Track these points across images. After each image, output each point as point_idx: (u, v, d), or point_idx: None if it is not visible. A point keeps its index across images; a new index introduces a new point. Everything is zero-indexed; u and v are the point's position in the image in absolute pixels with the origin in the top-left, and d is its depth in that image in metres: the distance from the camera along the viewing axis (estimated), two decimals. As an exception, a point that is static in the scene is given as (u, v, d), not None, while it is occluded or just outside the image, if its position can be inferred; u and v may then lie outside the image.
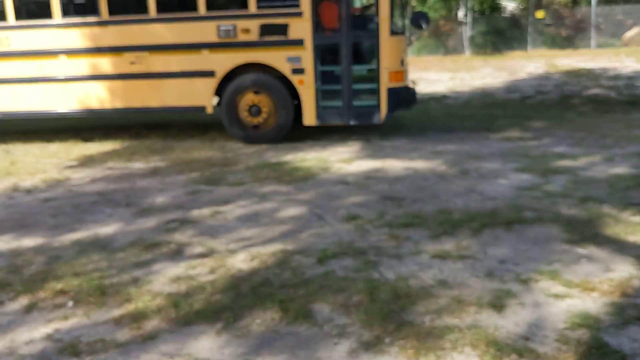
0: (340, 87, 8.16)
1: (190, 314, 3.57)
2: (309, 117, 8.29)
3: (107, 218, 5.41)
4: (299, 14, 7.98)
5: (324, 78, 8.23)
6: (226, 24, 8.12)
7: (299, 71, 8.11)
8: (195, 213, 5.44)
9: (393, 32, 7.98)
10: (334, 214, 5.30)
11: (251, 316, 3.53)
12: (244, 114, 8.43)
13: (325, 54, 8.21)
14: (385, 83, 7.97)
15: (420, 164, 7.02)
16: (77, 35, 8.62)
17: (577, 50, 21.52)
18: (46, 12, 8.58)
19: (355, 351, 3.12)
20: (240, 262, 4.31)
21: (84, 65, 8.69)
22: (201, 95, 8.43)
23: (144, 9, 8.31)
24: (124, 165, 7.62)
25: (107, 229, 5.09)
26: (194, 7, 8.19)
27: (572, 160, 6.80)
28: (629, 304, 3.43)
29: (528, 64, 16.68)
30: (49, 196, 6.22)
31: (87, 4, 8.73)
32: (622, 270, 3.89)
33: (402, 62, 8.26)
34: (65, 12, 8.62)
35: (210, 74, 8.31)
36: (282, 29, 8.05)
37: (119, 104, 8.74)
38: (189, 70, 8.39)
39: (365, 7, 9.56)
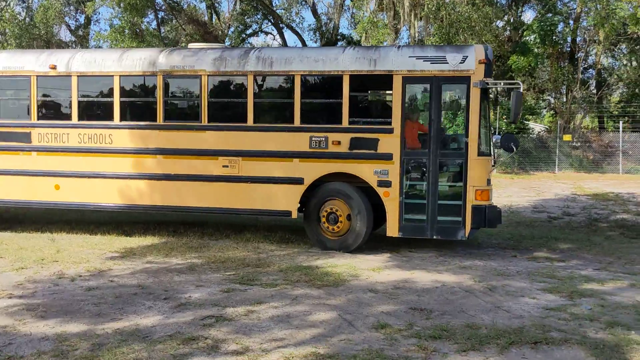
0: (425, 201, 8.26)
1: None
2: (392, 229, 8.34)
3: (147, 310, 5.59)
4: (390, 131, 8.25)
5: (409, 192, 8.44)
6: (318, 135, 8.42)
7: (385, 184, 8.25)
8: (230, 311, 5.60)
9: (480, 153, 8.16)
10: (364, 321, 5.39)
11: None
12: (323, 221, 8.58)
13: (412, 168, 8.39)
14: (471, 200, 8.06)
15: (447, 277, 7.11)
16: (176, 138, 9.04)
17: (605, 174, 21.78)
18: (151, 115, 9.19)
19: None
20: (273, 362, 4.43)
21: (178, 165, 9.02)
22: (288, 200, 8.58)
23: (241, 118, 8.79)
24: (163, 260, 7.86)
25: (146, 321, 5.26)
26: (289, 118, 8.64)
27: (599, 284, 6.82)
28: None
29: (555, 185, 16.93)
30: (92, 285, 6.46)
31: (189, 110, 9.42)
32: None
33: (488, 182, 8.31)
34: (167, 117, 9.12)
35: (299, 180, 8.52)
36: (372, 143, 8.28)
37: (208, 204, 8.96)
38: (278, 176, 8.64)
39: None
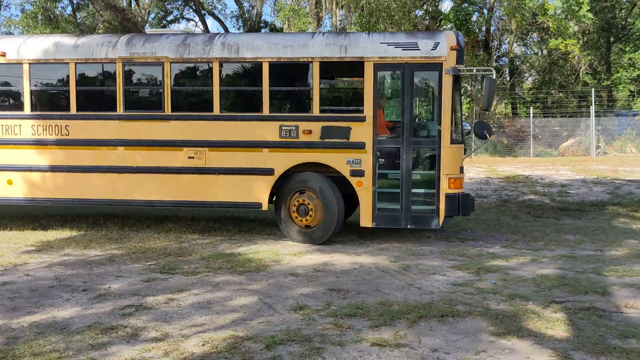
0: (398, 190, 8.12)
1: (144, 393, 3.77)
2: (366, 219, 8.17)
3: (64, 302, 5.54)
4: (362, 119, 8.07)
5: (382, 181, 8.23)
6: (288, 124, 8.18)
7: (358, 173, 8.07)
8: (151, 299, 5.64)
9: (453, 141, 8.05)
10: (283, 304, 5.57)
11: (201, 397, 3.74)
12: (293, 213, 8.33)
13: (385, 157, 8.20)
14: (445, 189, 7.94)
15: (365, 259, 7.40)
16: (137, 128, 8.62)
17: (517, 158, 22.90)
18: (110, 104, 8.70)
19: None
20: (193, 346, 4.52)
21: (141, 157, 8.59)
22: (258, 192, 8.31)
23: (207, 106, 8.45)
24: (81, 252, 7.72)
25: (64, 313, 5.22)
26: (258, 107, 8.34)
27: (503, 260, 7.30)
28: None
29: (471, 169, 17.63)
30: (6, 280, 6.30)
31: (151, 99, 8.92)
32: (540, 360, 4.28)
33: (461, 170, 8.23)
34: (128, 106, 8.64)
35: (269, 171, 8.27)
36: (344, 132, 8.09)
37: (173, 197, 8.56)
38: (247, 167, 8.35)
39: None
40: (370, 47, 8.08)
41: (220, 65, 8.38)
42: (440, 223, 8.02)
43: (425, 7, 29.13)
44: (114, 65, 8.55)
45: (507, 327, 4.93)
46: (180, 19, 35.75)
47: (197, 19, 35.33)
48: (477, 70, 9.60)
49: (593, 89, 24.35)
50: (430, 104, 8.58)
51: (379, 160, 8.11)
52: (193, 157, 8.33)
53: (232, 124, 8.38)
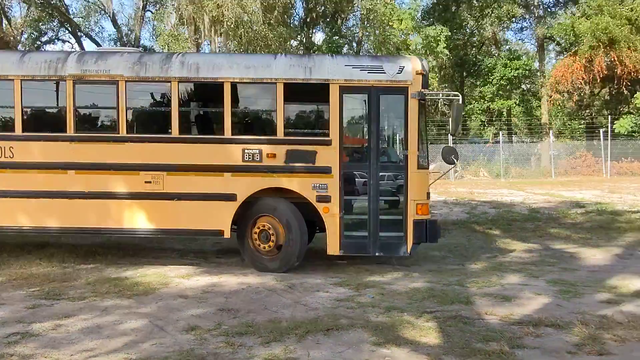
0: (366, 217, 7.75)
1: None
2: (333, 247, 7.73)
3: (-61, 335, 5.17)
4: (328, 143, 7.66)
5: (349, 207, 7.83)
6: (252, 148, 7.68)
7: (324, 199, 7.63)
8: (37, 326, 5.40)
9: (420, 166, 7.73)
10: (175, 325, 5.56)
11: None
12: (255, 239, 7.88)
13: (352, 182, 7.87)
14: (413, 215, 7.61)
15: (253, 279, 7.48)
16: (89, 151, 7.86)
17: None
18: (59, 125, 7.86)
19: None
20: (84, 371, 4.42)
21: (94, 181, 7.83)
22: (219, 219, 7.75)
23: (165, 128, 7.84)
24: (-46, 280, 7.18)
25: (-59, 346, 4.88)
26: (219, 129, 7.80)
27: (379, 276, 7.72)
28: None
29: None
30: None
31: (105, 120, 8.20)
32: (415, 365, 4.62)
33: (428, 195, 7.89)
34: (79, 127, 7.89)
35: (231, 197, 7.71)
36: (310, 156, 7.65)
37: (130, 225, 7.86)
38: (208, 192, 7.76)
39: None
40: (335, 70, 7.76)
41: (179, 85, 7.83)
42: (409, 250, 7.71)
43: (299, 37, 29.95)
44: (64, 82, 7.83)
45: (386, 337, 5.23)
46: (56, 40, 34.06)
47: (73, 40, 33.80)
48: (443, 95, 9.07)
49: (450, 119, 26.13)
50: (396, 128, 8.33)
51: (346, 185, 7.76)
52: (150, 182, 7.72)
53: (192, 147, 7.84)
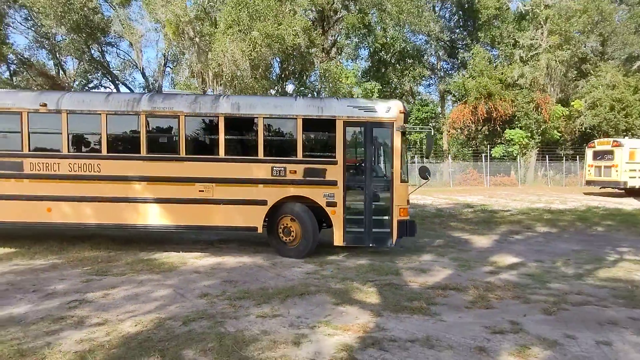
0: (363, 217, 7.58)
1: (94, 364, 3.54)
2: (338, 239, 7.57)
3: (18, 301, 4.95)
4: (335, 162, 7.51)
5: (350, 210, 7.64)
6: (278, 166, 7.52)
7: (332, 204, 7.51)
8: (90, 295, 5.23)
9: (402, 180, 7.57)
10: (192, 293, 5.46)
11: (140, 362, 3.60)
12: (280, 234, 7.68)
13: (352, 192, 7.68)
14: (397, 216, 7.46)
15: (247, 259, 7.39)
16: (158, 167, 7.62)
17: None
18: (135, 148, 7.66)
19: (212, 377, 3.38)
20: (128, 327, 4.31)
21: (161, 190, 7.60)
22: (254, 218, 7.56)
23: (214, 151, 7.61)
24: (28, 262, 6.82)
25: (19, 309, 4.68)
26: (254, 152, 7.56)
27: (336, 256, 7.72)
28: (368, 336, 4.19)
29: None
30: (-39, 286, 5.45)
31: (169, 144, 7.83)
32: (365, 318, 4.67)
33: (408, 202, 7.71)
34: (150, 149, 7.65)
35: (263, 202, 7.55)
36: (321, 172, 7.51)
37: (187, 222, 7.64)
38: (246, 198, 7.56)
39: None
40: (340, 109, 7.58)
41: (225, 119, 7.56)
42: (394, 242, 7.52)
43: (276, 88, 29.83)
44: (138, 116, 7.62)
45: (342, 299, 5.28)
46: (99, 86, 33.00)
47: (112, 87, 32.83)
48: (419, 128, 9.01)
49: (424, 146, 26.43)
50: (384, 152, 8.09)
51: (348, 194, 7.59)
52: (203, 190, 7.55)
53: (234, 165, 7.60)
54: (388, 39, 30.73)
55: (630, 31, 30.45)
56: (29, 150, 7.65)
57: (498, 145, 28.78)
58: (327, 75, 26.15)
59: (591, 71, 29.61)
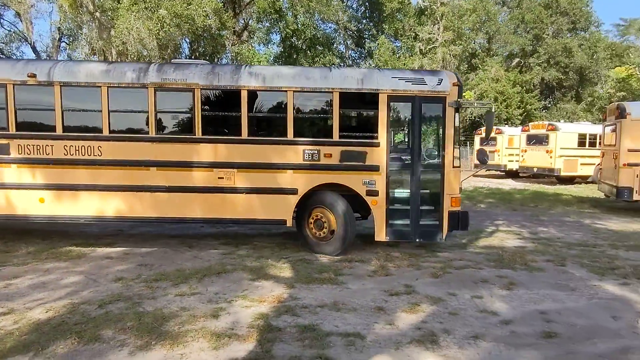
0: (408, 208, 6.59)
1: (5, 350, 3.46)
2: (380, 234, 6.61)
3: None
4: (377, 144, 6.51)
5: (394, 200, 6.64)
6: (311, 149, 6.49)
7: (373, 193, 6.52)
8: (-10, 286, 4.91)
9: (454, 165, 6.59)
10: (105, 278, 5.37)
11: (55, 344, 3.59)
12: (311, 227, 6.76)
13: (397, 178, 6.67)
14: (448, 207, 6.53)
15: (160, 245, 7.26)
16: (169, 150, 6.54)
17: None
18: (143, 127, 6.56)
19: (132, 352, 3.52)
20: (38, 314, 4.19)
21: (173, 177, 6.55)
22: (283, 210, 6.57)
23: (236, 131, 6.52)
24: None
25: None
26: (283, 132, 6.51)
27: (250, 238, 7.89)
28: (282, 305, 4.55)
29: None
30: None
31: (182, 123, 6.72)
32: (279, 290, 5.01)
33: (460, 190, 6.75)
34: (160, 129, 6.57)
35: (293, 191, 6.55)
36: (361, 156, 6.49)
37: (204, 215, 6.62)
38: (273, 187, 6.55)
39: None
40: (383, 81, 6.55)
41: (248, 93, 6.52)
42: (444, 237, 6.62)
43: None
44: (145, 90, 6.51)
45: (258, 275, 5.55)
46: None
47: (-6, 61, 28.93)
48: (477, 104, 7.38)
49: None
50: (435, 132, 7.12)
51: (392, 181, 6.63)
52: (223, 178, 6.55)
53: (259, 147, 6.56)
54: (299, 26, 31.03)
55: (510, 31, 34.16)
56: (16, 130, 6.53)
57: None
58: (238, 58, 25.81)
59: (479, 65, 32.78)
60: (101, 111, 6.50)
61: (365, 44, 34.14)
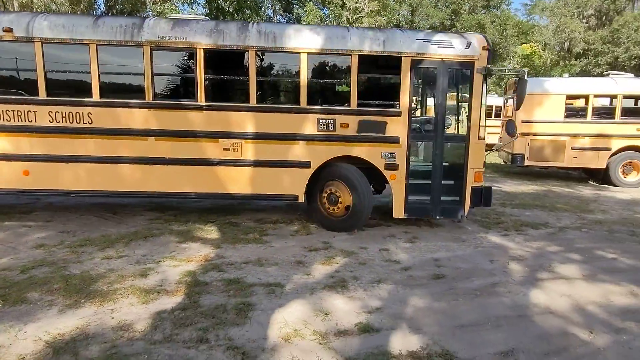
0: (429, 182, 6.13)
1: None
2: (398, 210, 6.16)
3: None
4: (398, 114, 5.96)
5: (414, 174, 6.17)
6: (326, 118, 5.92)
7: (392, 166, 6.03)
8: None
9: (480, 137, 6.07)
10: (25, 245, 5.28)
11: (-21, 308, 3.61)
12: (324, 203, 6.28)
13: (417, 151, 6.20)
14: (471, 182, 6.09)
15: (82, 212, 7.11)
16: (169, 118, 5.86)
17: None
18: (138, 92, 5.79)
19: (62, 311, 3.67)
20: (-45, 282, 4.12)
21: (172, 148, 5.94)
22: (294, 185, 6.05)
23: (243, 97, 5.89)
24: None
25: None
26: (295, 99, 5.94)
27: (176, 204, 7.94)
28: (209, 264, 4.85)
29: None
30: None
31: (182, 87, 5.98)
32: (206, 250, 5.27)
33: (484, 164, 6.28)
34: (157, 94, 5.85)
35: (305, 164, 6.02)
36: (380, 126, 5.97)
37: (207, 190, 6.06)
38: (284, 160, 6.01)
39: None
40: (407, 43, 5.94)
41: (257, 54, 5.86)
42: (466, 213, 6.22)
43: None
44: (140, 48, 5.78)
45: (185, 237, 5.76)
46: None
47: None
48: (508, 71, 6.66)
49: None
50: (460, 100, 6.57)
51: (413, 154, 6.11)
52: (228, 149, 5.99)
53: (269, 116, 5.97)
54: (226, -13, 29.79)
55: (432, 5, 35.56)
56: None
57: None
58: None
59: (403, 37, 33.89)
60: (90, 73, 5.82)
61: (294, 9, 33.72)
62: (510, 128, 6.38)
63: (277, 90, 6.53)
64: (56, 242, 5.42)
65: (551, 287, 4.43)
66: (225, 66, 6.14)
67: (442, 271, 4.80)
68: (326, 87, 6.25)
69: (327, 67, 6.27)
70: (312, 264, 4.93)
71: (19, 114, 5.89)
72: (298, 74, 5.94)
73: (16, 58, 5.92)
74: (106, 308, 3.72)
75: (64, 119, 5.90)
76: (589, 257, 5.41)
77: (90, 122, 5.93)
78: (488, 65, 5.98)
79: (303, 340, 3.28)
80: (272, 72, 6.27)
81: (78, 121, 5.93)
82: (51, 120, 5.90)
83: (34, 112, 5.89)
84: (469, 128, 6.04)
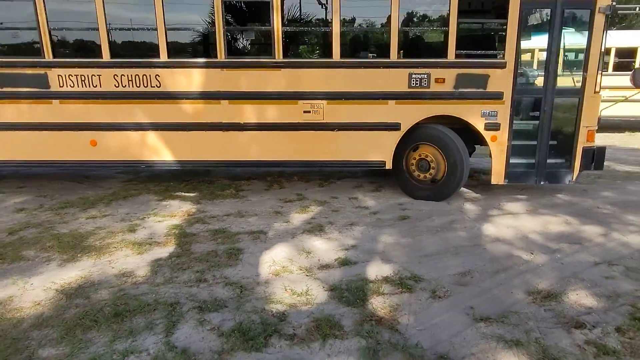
0: (534, 144, 5.36)
1: None
2: (498, 176, 5.43)
3: None
4: (502, 65, 5.10)
5: (518, 135, 5.40)
6: (419, 72, 5.12)
7: (493, 127, 5.26)
8: None
9: (596, 90, 5.19)
10: (5, 210, 5.32)
11: (-21, 267, 3.76)
12: (412, 168, 5.68)
13: (523, 108, 5.38)
14: (583, 142, 5.28)
15: (56, 177, 6.99)
16: (243, 78, 5.21)
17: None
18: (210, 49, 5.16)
19: (61, 264, 3.88)
20: (-55, 245, 4.19)
21: (248, 112, 5.33)
22: (382, 149, 5.41)
23: (325, 51, 5.21)
24: None
25: None
26: (384, 51, 5.13)
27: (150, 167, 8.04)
28: (192, 217, 5.12)
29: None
30: None
31: (258, 43, 5.35)
32: (187, 207, 5.51)
33: (598, 121, 5.40)
34: (231, 51, 5.19)
35: (395, 126, 5.34)
36: (481, 80, 5.14)
37: (287, 157, 5.51)
38: (371, 122, 5.33)
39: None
40: None
41: (340, 3, 5.04)
42: (574, 178, 5.47)
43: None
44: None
45: (164, 195, 5.97)
46: None
47: None
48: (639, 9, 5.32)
49: None
50: (576, 48, 5.58)
51: (517, 112, 5.34)
52: (309, 112, 5.34)
53: (354, 72, 5.22)
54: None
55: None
56: None
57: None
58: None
59: None
60: (156, 29, 5.12)
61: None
62: (637, 78, 5.68)
63: (364, 42, 5.78)
64: (36, 206, 5.48)
65: (500, 221, 5.06)
66: (305, 16, 5.56)
67: (406, 213, 5.32)
68: (420, 36, 5.62)
69: (421, 13, 5.48)
70: (289, 213, 5.31)
71: (83, 78, 5.37)
72: (388, 21, 5.13)
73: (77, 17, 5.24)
74: (104, 260, 3.96)
75: (129, 82, 5.36)
76: (531, 196, 6.11)
77: (158, 84, 5.38)
78: (613, 3, 4.95)
79: (291, 274, 3.70)
80: (357, 21, 5.52)
81: (146, 84, 5.36)
82: (117, 85, 5.37)
83: (98, 75, 5.34)
84: (584, 79, 5.14)
